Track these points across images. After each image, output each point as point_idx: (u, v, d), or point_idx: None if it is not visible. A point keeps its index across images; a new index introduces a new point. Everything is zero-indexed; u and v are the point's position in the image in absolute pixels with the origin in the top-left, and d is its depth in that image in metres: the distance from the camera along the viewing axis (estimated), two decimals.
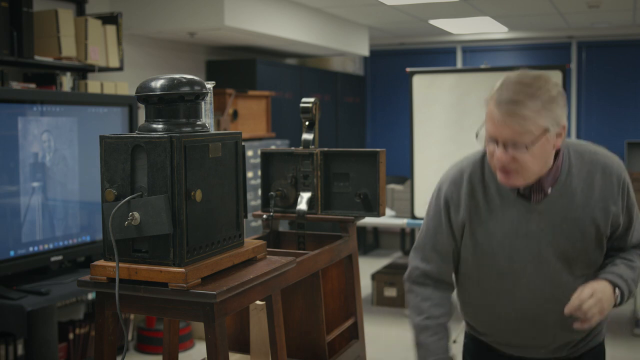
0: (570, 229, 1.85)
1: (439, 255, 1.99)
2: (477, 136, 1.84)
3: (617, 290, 1.85)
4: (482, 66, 5.69)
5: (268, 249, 2.17)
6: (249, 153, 5.57)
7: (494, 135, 1.75)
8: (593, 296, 1.79)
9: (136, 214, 1.70)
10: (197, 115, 1.85)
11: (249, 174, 5.56)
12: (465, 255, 1.96)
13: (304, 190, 2.65)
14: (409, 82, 5.43)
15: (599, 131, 8.42)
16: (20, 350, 3.87)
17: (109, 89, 4.42)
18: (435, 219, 1.98)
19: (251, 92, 6.04)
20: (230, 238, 1.91)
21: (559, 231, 1.86)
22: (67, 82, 4.20)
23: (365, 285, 6.07)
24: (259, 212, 2.74)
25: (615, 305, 1.87)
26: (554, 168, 1.84)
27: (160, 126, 1.77)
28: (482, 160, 1.92)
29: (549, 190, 1.85)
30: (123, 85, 4.53)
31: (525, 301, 1.92)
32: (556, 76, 4.83)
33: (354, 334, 2.71)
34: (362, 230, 7.88)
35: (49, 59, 4.07)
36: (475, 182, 1.91)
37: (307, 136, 2.67)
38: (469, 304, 2.05)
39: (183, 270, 1.69)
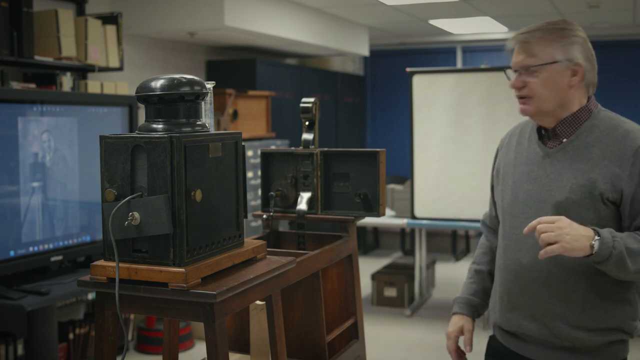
0: (570, 179, 1.91)
1: (491, 200, 2.20)
2: (506, 74, 2.02)
3: (597, 237, 1.76)
4: (482, 66, 5.69)
5: (268, 249, 2.17)
6: (249, 153, 5.57)
7: (513, 64, 1.96)
8: (556, 223, 1.76)
9: (136, 214, 1.70)
10: (197, 115, 1.85)
11: (249, 174, 5.56)
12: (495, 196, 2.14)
13: (304, 190, 2.65)
14: (409, 82, 5.43)
15: None
16: (20, 350, 3.87)
17: (109, 89, 4.42)
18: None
19: (251, 92, 6.04)
20: (230, 238, 1.91)
21: (560, 179, 1.92)
22: (67, 82, 4.20)
23: (365, 285, 6.07)
24: (259, 212, 2.74)
25: (590, 256, 1.76)
26: (573, 117, 1.94)
27: (160, 126, 1.77)
28: (527, 122, 2.10)
29: (564, 140, 1.95)
30: (123, 85, 4.53)
31: (518, 251, 1.98)
32: None
33: (354, 334, 2.71)
34: (362, 230, 7.88)
35: (49, 59, 4.07)
36: (517, 131, 2.11)
37: (307, 136, 2.66)
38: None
39: (183, 270, 1.69)
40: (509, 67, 1.98)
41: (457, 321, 2.18)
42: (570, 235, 1.75)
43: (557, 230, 1.75)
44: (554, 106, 1.93)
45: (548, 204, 1.93)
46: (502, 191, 2.07)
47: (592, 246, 1.75)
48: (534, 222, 1.79)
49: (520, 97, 1.96)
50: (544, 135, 2.00)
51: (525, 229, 1.82)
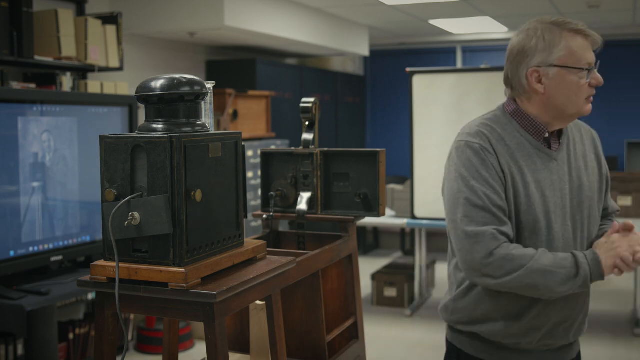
0: (580, 178, 1.91)
1: (502, 212, 1.81)
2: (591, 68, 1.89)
3: None
4: (482, 66, 5.69)
5: (268, 249, 2.17)
6: (249, 153, 5.57)
7: (591, 59, 1.84)
8: None
9: (136, 214, 1.70)
10: (197, 115, 1.85)
11: (249, 174, 5.56)
12: (508, 210, 1.84)
13: (304, 190, 2.65)
14: (409, 82, 5.43)
15: (599, 131, 8.40)
16: (20, 350, 3.87)
17: (109, 89, 4.42)
18: (479, 176, 1.82)
19: (251, 92, 6.04)
20: (230, 238, 1.91)
21: (572, 180, 1.90)
22: (67, 82, 4.20)
23: (365, 285, 6.07)
24: (259, 212, 2.74)
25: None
26: None
27: (160, 126, 1.77)
28: (495, 116, 1.92)
29: (561, 141, 1.93)
30: (123, 85, 4.53)
31: None
32: None
33: (354, 334, 2.71)
34: (362, 230, 7.88)
35: (49, 59, 4.07)
36: (500, 132, 1.88)
37: (307, 136, 2.67)
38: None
39: (183, 270, 1.69)
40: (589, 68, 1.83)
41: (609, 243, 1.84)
42: None
43: None
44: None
45: (573, 208, 1.89)
46: (524, 204, 1.83)
47: None
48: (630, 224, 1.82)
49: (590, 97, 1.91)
50: (547, 137, 1.91)
51: (621, 226, 1.82)
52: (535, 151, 1.88)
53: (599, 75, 1.87)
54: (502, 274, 1.75)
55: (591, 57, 1.85)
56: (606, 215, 2.05)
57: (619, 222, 1.89)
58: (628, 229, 1.82)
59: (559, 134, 1.93)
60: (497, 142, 1.86)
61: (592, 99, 1.91)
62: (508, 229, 1.80)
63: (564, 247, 1.85)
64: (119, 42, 4.55)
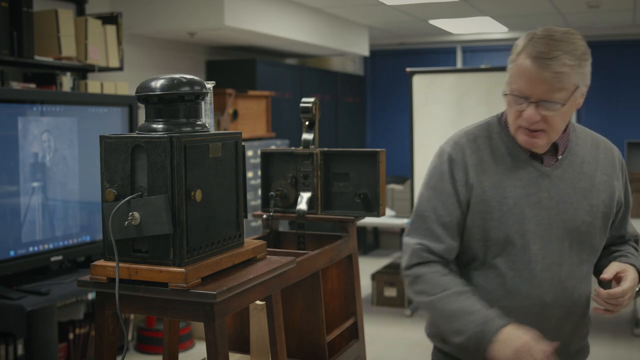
0: (580, 200, 1.75)
1: (445, 229, 1.76)
2: (505, 95, 1.72)
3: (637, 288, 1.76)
4: (482, 66, 5.69)
5: (268, 249, 2.17)
6: (249, 153, 5.57)
7: (527, 92, 1.64)
8: (631, 288, 1.71)
9: (136, 214, 1.70)
10: (197, 115, 1.85)
11: (249, 174, 5.56)
12: (471, 226, 1.75)
13: (304, 190, 2.65)
14: (409, 82, 5.43)
15: (599, 131, 8.37)
16: (20, 350, 3.87)
17: (109, 89, 4.42)
18: (437, 186, 1.78)
19: (251, 92, 6.04)
20: (230, 238, 1.91)
21: (569, 201, 1.74)
22: (67, 82, 4.20)
23: (365, 285, 6.07)
24: (259, 212, 2.74)
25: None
26: (566, 132, 1.78)
27: (160, 126, 1.77)
28: (487, 124, 1.81)
29: (560, 156, 1.77)
30: (123, 85, 4.53)
31: (532, 286, 1.73)
32: None
33: (354, 334, 2.71)
34: (362, 230, 7.88)
35: (49, 59, 4.07)
36: (481, 141, 1.78)
37: (307, 136, 2.66)
38: None
39: (183, 270, 1.69)
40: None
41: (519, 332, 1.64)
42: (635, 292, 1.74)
43: (631, 296, 1.71)
44: (560, 133, 1.74)
45: (563, 230, 1.74)
46: (494, 220, 1.72)
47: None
48: (618, 291, 1.69)
49: (532, 130, 1.68)
50: (535, 155, 1.77)
51: (605, 294, 1.69)
52: (523, 165, 1.75)
53: (529, 114, 1.64)
54: (413, 292, 1.77)
55: (527, 89, 1.64)
56: (623, 242, 1.92)
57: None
58: (612, 298, 1.70)
59: (555, 149, 1.76)
60: (473, 154, 1.76)
61: (534, 133, 1.68)
62: (443, 248, 1.75)
63: (544, 270, 1.72)
64: (119, 42, 4.55)
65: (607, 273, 1.73)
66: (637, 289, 1.75)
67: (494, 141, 1.78)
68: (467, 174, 1.75)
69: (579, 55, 1.66)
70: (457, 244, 1.78)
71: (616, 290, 1.69)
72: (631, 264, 1.78)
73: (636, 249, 1.91)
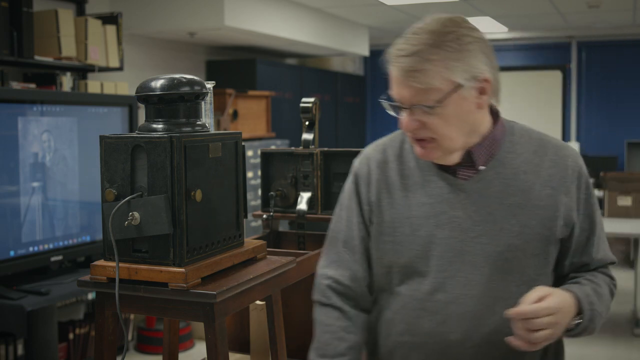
0: (507, 219, 1.45)
1: (352, 253, 1.56)
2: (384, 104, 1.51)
3: (577, 320, 1.43)
4: None
5: (268, 249, 2.17)
6: (249, 153, 5.57)
7: (397, 97, 1.43)
8: (553, 314, 1.35)
9: (136, 214, 1.70)
10: (197, 115, 1.85)
11: (249, 174, 5.56)
12: (375, 249, 1.54)
13: (304, 190, 2.65)
14: None
15: (599, 131, 8.42)
16: (20, 350, 3.87)
17: (109, 89, 4.42)
18: (345, 205, 1.59)
19: (251, 92, 6.04)
20: (230, 238, 1.91)
21: (492, 221, 1.45)
22: (67, 82, 4.20)
23: None
24: (259, 212, 2.74)
25: (564, 333, 1.43)
26: (490, 139, 1.48)
27: (160, 126, 1.77)
28: (401, 133, 1.59)
29: (482, 167, 1.48)
30: (123, 85, 4.54)
31: (434, 322, 1.47)
32: (556, 76, 4.83)
33: None
34: None
35: (49, 59, 4.07)
36: (390, 154, 1.57)
37: (307, 136, 2.66)
38: (371, 329, 1.59)
39: (183, 270, 1.69)
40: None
41: None
42: (563, 326, 1.39)
43: (555, 326, 1.36)
44: (463, 139, 1.45)
45: (482, 256, 1.44)
46: (395, 243, 1.50)
47: (573, 325, 1.43)
48: (525, 310, 1.34)
49: (419, 140, 1.45)
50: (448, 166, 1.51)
51: (512, 313, 1.35)
52: (434, 179, 1.50)
53: (405, 122, 1.43)
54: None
55: (397, 94, 1.43)
56: (587, 271, 1.54)
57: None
58: None
59: (469, 157, 1.48)
60: (378, 167, 1.56)
61: (421, 142, 1.44)
62: (349, 276, 1.55)
63: (449, 303, 1.45)
64: (119, 42, 4.55)
65: (522, 302, 1.37)
66: (575, 321, 1.42)
67: (404, 152, 1.56)
68: (369, 190, 1.55)
69: (453, 47, 1.40)
70: (365, 270, 1.56)
71: (525, 309, 1.34)
72: (571, 291, 1.44)
73: (610, 277, 1.56)
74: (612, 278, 1.57)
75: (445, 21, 1.45)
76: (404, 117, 1.43)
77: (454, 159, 1.48)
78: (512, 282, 1.45)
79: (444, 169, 1.49)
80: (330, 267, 1.59)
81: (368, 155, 1.61)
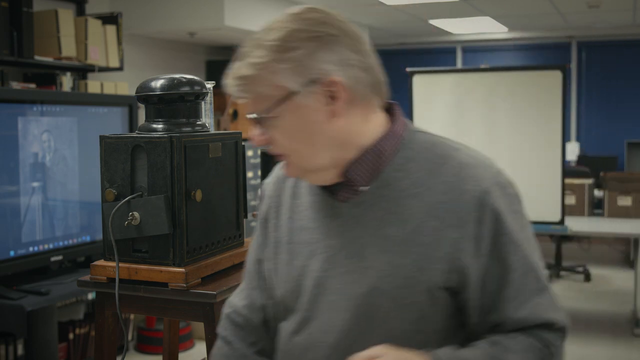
0: (376, 255, 1.16)
1: (248, 279, 1.38)
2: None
3: None
4: (482, 66, 5.69)
5: None
6: (249, 153, 5.57)
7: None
8: None
9: (136, 214, 1.70)
10: (197, 115, 1.85)
11: (249, 174, 5.56)
12: (266, 279, 1.35)
13: None
14: (409, 82, 5.43)
15: (599, 131, 8.42)
16: (20, 350, 3.87)
17: (109, 89, 4.42)
18: (258, 223, 1.39)
19: None
20: (230, 238, 1.91)
21: (361, 255, 1.17)
22: (67, 82, 4.20)
23: None
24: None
25: None
26: (372, 152, 1.18)
27: (160, 126, 1.78)
28: None
29: (363, 188, 1.19)
30: (123, 85, 4.54)
31: None
32: (556, 76, 4.82)
33: None
34: None
35: (49, 59, 4.07)
36: None
37: None
38: None
39: (183, 270, 1.69)
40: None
41: None
42: None
43: None
44: (326, 154, 1.17)
45: (349, 296, 1.16)
46: (274, 271, 1.29)
47: None
48: None
49: (276, 154, 1.22)
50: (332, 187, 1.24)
51: None
52: (319, 200, 1.24)
53: (251, 134, 1.21)
54: None
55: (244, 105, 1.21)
56: (501, 332, 1.15)
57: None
58: None
59: (366, 176, 1.19)
60: (274, 184, 1.35)
61: (278, 157, 1.22)
62: (246, 305, 1.36)
63: (305, 350, 1.22)
64: (119, 42, 4.55)
65: None
66: None
67: None
68: (262, 208, 1.36)
69: (278, 46, 1.17)
70: (263, 298, 1.34)
71: None
72: (436, 354, 1.11)
73: (545, 345, 1.14)
74: (547, 346, 1.14)
75: (290, 15, 1.23)
76: (253, 131, 1.20)
77: (329, 177, 1.20)
78: (375, 335, 1.15)
79: (328, 189, 1.23)
80: (236, 294, 1.40)
81: (273, 172, 1.40)
